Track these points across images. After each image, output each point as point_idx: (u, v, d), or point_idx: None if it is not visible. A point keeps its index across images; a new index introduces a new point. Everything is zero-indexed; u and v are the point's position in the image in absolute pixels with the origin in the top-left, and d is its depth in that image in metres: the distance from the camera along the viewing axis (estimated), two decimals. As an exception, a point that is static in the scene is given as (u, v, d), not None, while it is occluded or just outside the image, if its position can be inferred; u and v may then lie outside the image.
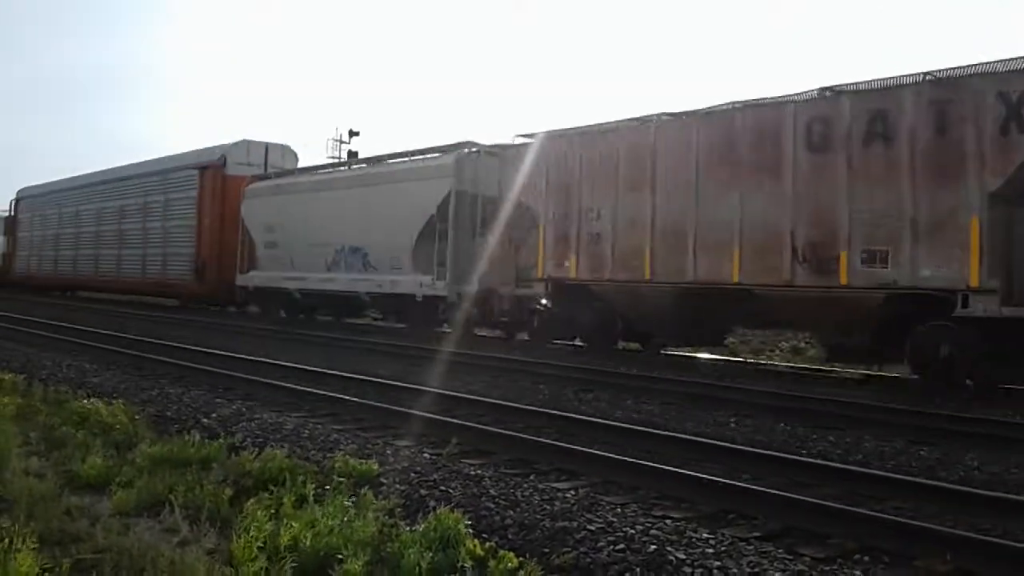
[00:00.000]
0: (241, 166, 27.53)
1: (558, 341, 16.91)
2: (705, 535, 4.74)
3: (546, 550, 4.57)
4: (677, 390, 10.76)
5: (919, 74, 11.65)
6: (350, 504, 5.03)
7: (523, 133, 17.11)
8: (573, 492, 5.72)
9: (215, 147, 28.64)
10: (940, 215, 11.16)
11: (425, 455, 6.75)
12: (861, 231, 11.91)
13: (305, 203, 23.42)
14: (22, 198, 43.16)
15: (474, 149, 19.42)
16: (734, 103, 13.81)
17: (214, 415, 8.35)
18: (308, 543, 4.31)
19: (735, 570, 4.22)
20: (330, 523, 4.51)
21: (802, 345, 16.64)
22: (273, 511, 4.77)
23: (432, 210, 19.29)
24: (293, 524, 4.47)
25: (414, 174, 20.47)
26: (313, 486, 5.33)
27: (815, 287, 12.40)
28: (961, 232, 10.91)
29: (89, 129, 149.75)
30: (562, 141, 16.41)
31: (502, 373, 12.45)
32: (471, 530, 4.73)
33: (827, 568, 4.34)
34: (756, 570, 4.23)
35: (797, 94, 13.04)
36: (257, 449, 6.79)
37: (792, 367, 14.21)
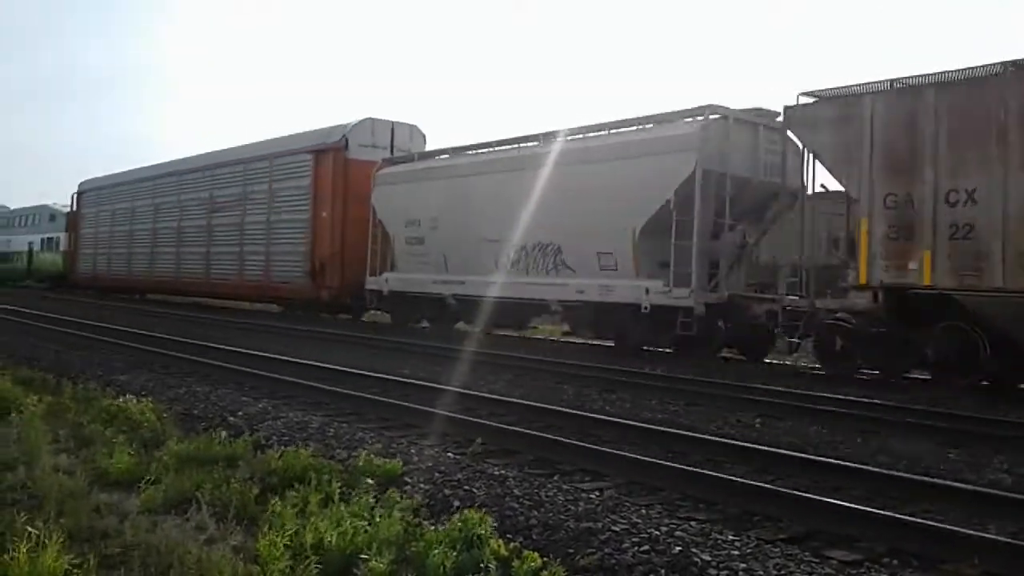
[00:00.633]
0: (365, 148, 23.41)
1: (866, 372, 12.70)
2: (731, 537, 4.72)
3: (570, 551, 4.57)
4: (701, 390, 10.71)
5: None
6: (375, 503, 5.05)
7: (811, 91, 13.07)
8: (597, 493, 5.71)
9: (331, 127, 24.27)
10: None
11: (449, 455, 6.76)
12: None
13: (466, 189, 18.86)
14: (85, 191, 39.01)
15: (717, 115, 15.12)
16: None
17: (240, 413, 8.42)
18: (333, 542, 4.33)
19: (761, 572, 4.20)
20: (355, 522, 4.53)
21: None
22: (299, 509, 4.81)
23: (667, 195, 14.77)
24: (319, 523, 4.49)
25: (639, 148, 15.60)
26: (338, 485, 5.35)
27: None
28: None
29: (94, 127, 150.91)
30: (900, 97, 12.06)
31: (524, 373, 12.45)
32: (495, 530, 4.73)
33: (854, 571, 4.31)
34: (782, 572, 4.20)
35: None
36: (282, 447, 6.84)
37: (813, 368, 14.08)
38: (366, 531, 4.48)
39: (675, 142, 15.12)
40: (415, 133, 24.72)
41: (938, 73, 11.71)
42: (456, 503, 5.41)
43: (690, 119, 15.39)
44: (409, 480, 5.94)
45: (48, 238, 43.16)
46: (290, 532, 4.35)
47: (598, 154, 16.30)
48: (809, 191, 13.65)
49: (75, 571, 3.90)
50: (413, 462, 6.44)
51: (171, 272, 31.03)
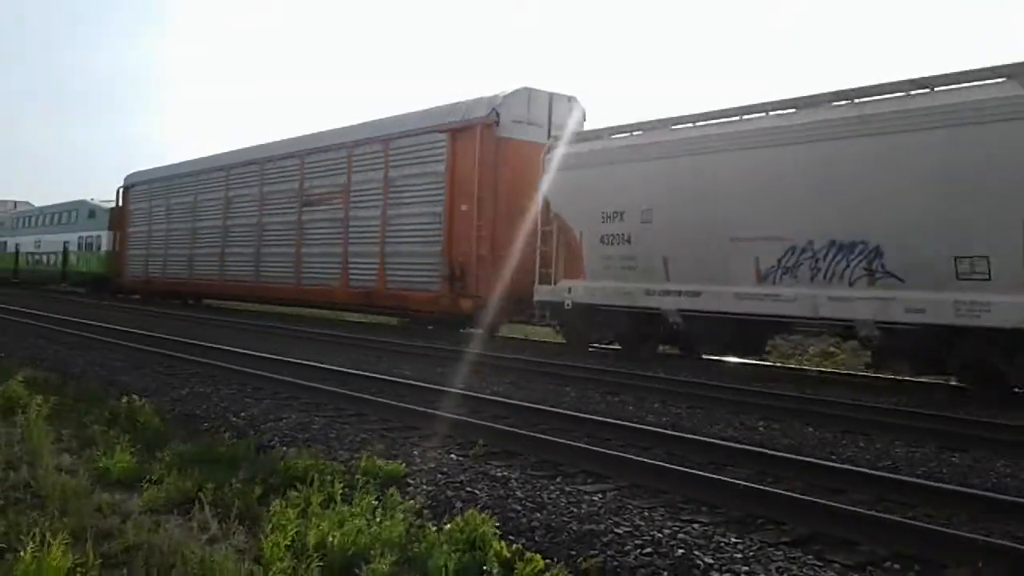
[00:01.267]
0: (519, 125, 18.85)
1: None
2: (733, 540, 4.71)
3: (573, 553, 4.57)
4: (704, 393, 10.70)
5: None
6: (377, 504, 5.05)
7: None
8: (600, 495, 5.71)
9: (472, 101, 19.81)
10: None
11: (452, 456, 6.76)
12: None
13: (701, 171, 14.12)
14: (132, 185, 34.90)
15: None
16: None
17: (242, 414, 8.43)
18: (336, 542, 4.33)
19: (763, 575, 4.19)
20: (358, 523, 4.53)
21: (832, 349, 16.45)
22: (301, 510, 4.81)
23: None
24: (321, 523, 4.49)
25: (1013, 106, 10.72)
26: (341, 486, 5.35)
27: None
28: None
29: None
30: None
31: (527, 375, 12.45)
32: (498, 532, 4.73)
33: (856, 575, 4.30)
34: (784, 576, 4.20)
35: None
36: (285, 448, 6.86)
37: (822, 371, 14.09)
38: (368, 532, 4.48)
39: None
40: (575, 107, 19.70)
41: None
42: (458, 504, 5.40)
43: None
44: (411, 481, 5.94)
45: (87, 237, 38.77)
46: (292, 533, 4.35)
47: (935, 115, 11.41)
48: None
49: (78, 570, 3.91)
50: (415, 463, 6.45)
51: (247, 276, 26.72)
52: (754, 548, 4.58)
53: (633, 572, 4.29)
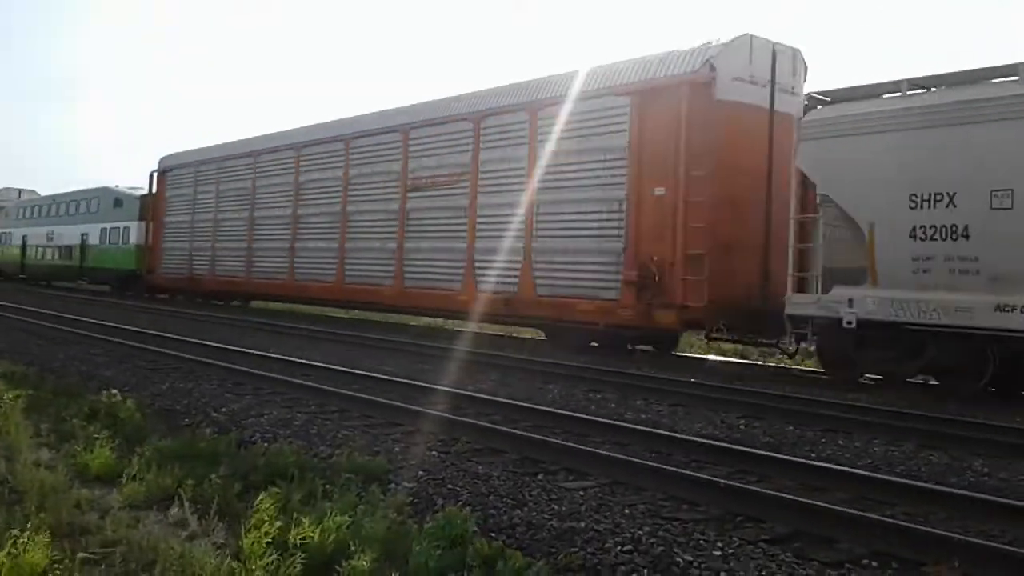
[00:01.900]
0: (739, 85, 14.43)
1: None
2: (713, 537, 4.74)
3: (553, 550, 4.58)
4: (686, 391, 10.74)
5: None
6: (358, 501, 5.05)
7: None
8: (581, 492, 5.72)
9: (668, 54, 15.33)
10: None
11: (434, 453, 6.76)
12: None
13: None
14: (170, 169, 30.23)
15: None
16: None
17: (224, 410, 8.40)
18: (316, 539, 4.32)
19: (742, 573, 4.22)
20: (339, 519, 4.52)
21: (812, 348, 16.50)
22: (281, 507, 4.80)
23: None
24: (302, 520, 4.48)
25: None
26: (321, 482, 5.35)
27: None
28: None
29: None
30: None
31: (512, 372, 12.45)
32: (479, 528, 4.74)
33: (835, 573, 4.34)
34: (764, 573, 4.23)
35: None
36: (266, 444, 6.84)
37: (803, 369, 14.16)
38: (350, 528, 4.48)
39: None
40: (797, 61, 15.35)
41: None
42: (440, 501, 5.41)
43: None
44: (393, 478, 5.94)
45: (111, 228, 34.05)
46: (274, 529, 4.34)
47: None
48: None
49: (55, 567, 3.88)
50: (397, 460, 6.45)
51: (327, 276, 22.22)
52: (734, 546, 4.60)
53: (613, 569, 4.31)
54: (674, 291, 14.09)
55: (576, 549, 4.55)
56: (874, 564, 4.52)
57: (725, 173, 13.98)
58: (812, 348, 13.38)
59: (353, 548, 4.22)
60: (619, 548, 4.55)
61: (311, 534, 4.34)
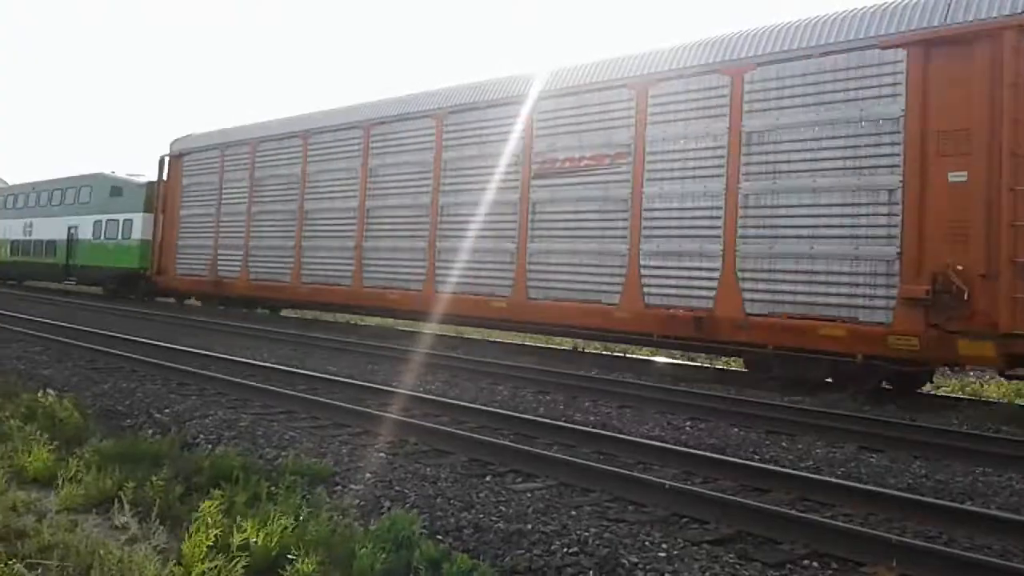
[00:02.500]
0: None
1: None
2: (658, 538, 4.79)
3: (500, 552, 4.58)
4: (635, 392, 10.82)
5: None
6: (303, 503, 5.00)
7: None
8: (529, 494, 5.74)
9: None
10: None
11: (381, 455, 6.72)
12: None
13: None
14: (185, 153, 25.45)
15: None
16: None
17: (167, 411, 8.26)
18: (260, 542, 4.27)
19: (686, 574, 4.27)
20: (283, 522, 4.47)
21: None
22: (225, 509, 4.73)
23: None
24: (245, 523, 4.43)
25: None
26: (267, 484, 5.29)
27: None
28: None
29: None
30: None
31: (460, 372, 12.43)
32: (426, 531, 4.73)
33: (776, 573, 4.41)
34: (707, 574, 4.28)
35: None
36: (210, 446, 6.75)
37: (747, 372, 14.35)
38: (294, 531, 4.43)
39: None
40: None
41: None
42: (387, 504, 5.38)
43: None
44: (340, 480, 5.89)
45: (108, 221, 29.59)
46: (215, 532, 4.28)
47: None
48: None
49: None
50: (344, 462, 6.40)
51: (412, 283, 17.68)
52: (678, 547, 4.65)
53: (559, 571, 4.32)
54: (994, 313, 10.27)
55: (523, 551, 4.56)
56: (815, 565, 4.61)
57: None
58: None
59: (297, 551, 4.18)
60: (565, 550, 4.57)
61: (255, 537, 4.29)
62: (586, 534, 4.79)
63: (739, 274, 12.55)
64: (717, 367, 14.86)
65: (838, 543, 4.75)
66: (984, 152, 10.59)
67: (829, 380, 11.89)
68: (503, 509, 5.28)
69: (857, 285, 11.44)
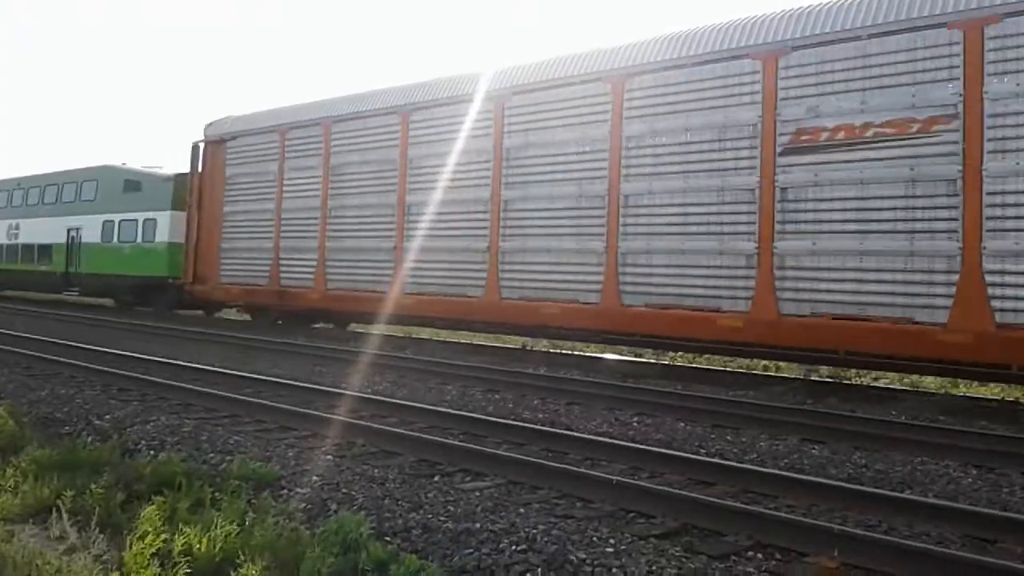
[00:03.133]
0: None
1: None
2: (606, 534, 4.82)
3: (448, 552, 4.57)
4: (583, 390, 10.88)
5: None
6: (248, 508, 4.94)
7: None
8: (478, 493, 5.74)
9: None
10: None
11: (328, 457, 6.66)
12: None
13: None
14: (229, 138, 21.21)
15: None
16: None
17: (107, 417, 8.09)
18: (203, 549, 4.21)
19: (633, 569, 4.30)
20: (227, 528, 4.41)
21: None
22: (168, 516, 4.65)
23: None
24: (188, 529, 4.36)
25: None
26: (211, 490, 5.21)
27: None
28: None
29: None
30: None
31: (409, 372, 12.38)
32: (374, 533, 4.70)
33: (721, 565, 4.47)
34: (653, 568, 4.32)
35: None
36: (152, 452, 6.63)
37: (696, 367, 14.54)
38: (239, 537, 4.37)
39: None
40: None
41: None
42: (334, 506, 5.34)
43: None
44: (286, 484, 5.83)
45: (122, 221, 25.30)
46: (158, 540, 4.21)
47: None
48: None
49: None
50: (290, 466, 6.33)
51: (590, 296, 13.69)
52: (626, 542, 4.69)
53: (507, 570, 4.33)
54: None
55: (471, 551, 4.56)
56: (759, 556, 4.68)
57: None
58: None
59: (242, 557, 4.12)
60: (514, 548, 4.58)
61: (198, 544, 4.22)
62: (534, 531, 4.80)
63: (986, 280, 10.09)
64: (663, 363, 15.02)
65: (781, 534, 4.84)
66: None
67: None
68: (452, 509, 5.28)
69: None
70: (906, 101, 10.83)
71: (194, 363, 12.02)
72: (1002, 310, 9.99)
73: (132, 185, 25.58)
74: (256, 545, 4.27)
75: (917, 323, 10.54)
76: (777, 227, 11.73)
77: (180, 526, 4.42)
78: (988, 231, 10.15)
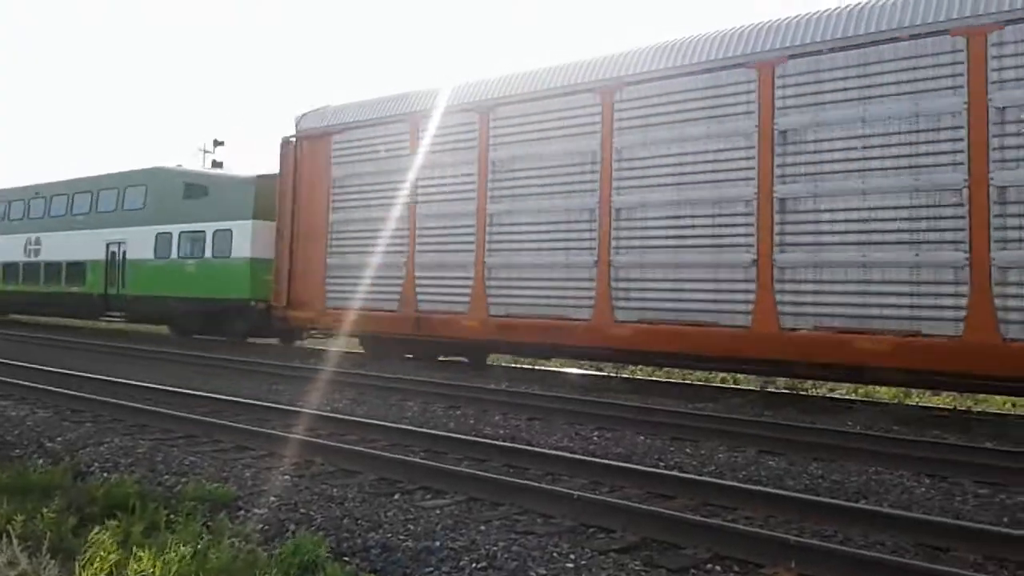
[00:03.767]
0: None
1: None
2: (566, 549, 4.82)
3: (408, 571, 4.54)
4: (544, 404, 10.89)
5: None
6: (204, 530, 4.86)
7: None
8: (438, 511, 5.71)
9: None
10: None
11: (286, 477, 6.60)
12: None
13: None
14: (337, 130, 17.56)
15: None
16: None
17: (59, 439, 7.93)
18: (157, 573, 4.13)
19: (594, 584, 4.31)
20: (182, 550, 4.34)
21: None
22: (122, 540, 4.56)
23: None
24: (142, 553, 4.27)
25: None
26: (165, 512, 5.12)
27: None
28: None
29: None
30: None
31: (369, 390, 12.30)
32: (332, 554, 4.65)
33: (681, 578, 4.49)
34: (614, 583, 4.33)
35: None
36: (106, 474, 6.50)
37: (654, 379, 14.63)
38: (193, 559, 4.30)
39: None
40: None
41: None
42: (292, 527, 5.28)
43: None
44: (243, 505, 5.75)
45: (182, 233, 21.53)
46: (111, 564, 4.12)
47: None
48: None
49: None
50: (247, 486, 6.25)
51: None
52: (586, 557, 4.70)
53: (468, 587, 4.31)
54: None
55: (431, 569, 4.53)
56: (717, 568, 4.71)
57: None
58: None
59: (198, 580, 4.06)
60: (474, 565, 4.56)
61: (151, 568, 4.14)
62: (495, 548, 4.79)
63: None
64: (623, 376, 15.09)
65: (739, 546, 4.88)
66: None
67: None
68: (411, 527, 5.24)
69: None
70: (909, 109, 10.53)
71: (149, 383, 11.81)
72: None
73: (195, 190, 21.67)
74: (211, 568, 4.20)
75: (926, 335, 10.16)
76: (776, 239, 11.34)
77: (134, 550, 4.33)
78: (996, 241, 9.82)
